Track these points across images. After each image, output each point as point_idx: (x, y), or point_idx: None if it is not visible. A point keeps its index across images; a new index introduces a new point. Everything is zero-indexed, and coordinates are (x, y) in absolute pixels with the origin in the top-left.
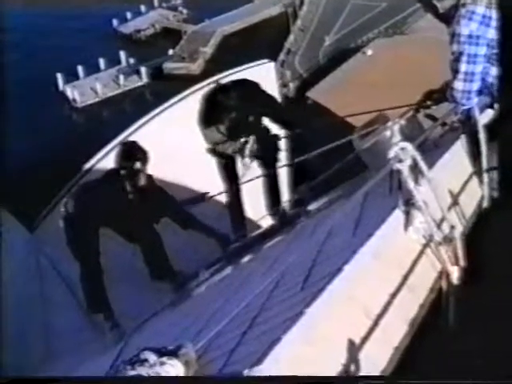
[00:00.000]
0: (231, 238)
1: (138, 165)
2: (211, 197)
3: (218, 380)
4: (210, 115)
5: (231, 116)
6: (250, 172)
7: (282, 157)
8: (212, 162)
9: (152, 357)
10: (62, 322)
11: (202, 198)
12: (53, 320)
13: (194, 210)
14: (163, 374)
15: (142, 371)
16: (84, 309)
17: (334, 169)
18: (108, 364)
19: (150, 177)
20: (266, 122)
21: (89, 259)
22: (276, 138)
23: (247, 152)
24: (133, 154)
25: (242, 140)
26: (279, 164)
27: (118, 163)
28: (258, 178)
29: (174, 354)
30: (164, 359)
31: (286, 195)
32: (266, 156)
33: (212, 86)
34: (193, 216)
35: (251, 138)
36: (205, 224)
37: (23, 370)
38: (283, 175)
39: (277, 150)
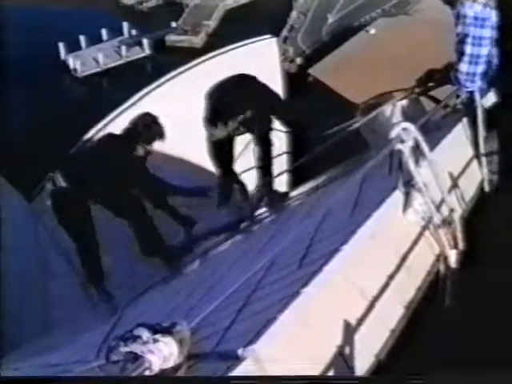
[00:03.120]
0: (196, 222)
1: (155, 138)
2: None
3: (218, 380)
4: (213, 116)
5: (234, 115)
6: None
7: (278, 134)
8: None
9: (145, 333)
10: (60, 291)
11: (204, 192)
12: (51, 289)
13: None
14: (156, 352)
15: (135, 348)
16: (81, 279)
17: (330, 143)
18: (101, 338)
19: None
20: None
21: (83, 235)
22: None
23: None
24: (158, 128)
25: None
26: (274, 142)
27: (138, 130)
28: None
29: (167, 331)
30: (158, 336)
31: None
32: (260, 130)
33: (211, 86)
34: (166, 198)
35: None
36: (174, 207)
37: (21, 338)
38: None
39: (271, 124)
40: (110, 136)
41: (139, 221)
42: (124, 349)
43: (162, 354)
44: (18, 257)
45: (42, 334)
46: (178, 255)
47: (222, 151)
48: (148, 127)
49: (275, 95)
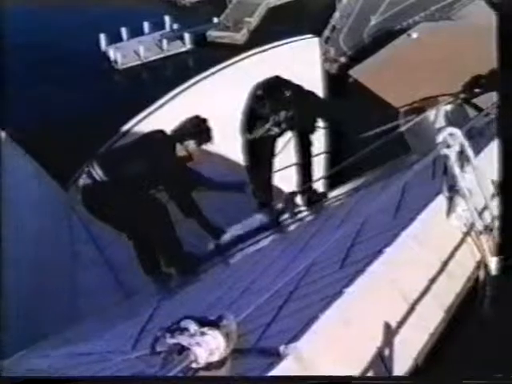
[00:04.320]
0: (224, 232)
1: (203, 141)
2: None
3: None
4: (250, 125)
5: (270, 121)
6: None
7: (320, 135)
8: None
9: (193, 326)
10: (90, 282)
11: (241, 187)
12: (81, 279)
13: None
14: (203, 345)
15: (182, 340)
16: (112, 270)
17: (375, 146)
18: (136, 329)
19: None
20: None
21: (125, 228)
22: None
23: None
24: (207, 131)
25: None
26: (314, 142)
27: (186, 132)
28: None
29: (215, 324)
30: (205, 329)
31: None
32: (303, 132)
33: (249, 95)
34: (197, 205)
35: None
36: (204, 216)
37: (49, 327)
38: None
39: (313, 126)
40: (156, 133)
41: (161, 228)
42: (170, 340)
43: (209, 347)
44: (50, 245)
45: (71, 324)
46: (196, 265)
47: (260, 152)
48: (197, 129)
49: (311, 94)
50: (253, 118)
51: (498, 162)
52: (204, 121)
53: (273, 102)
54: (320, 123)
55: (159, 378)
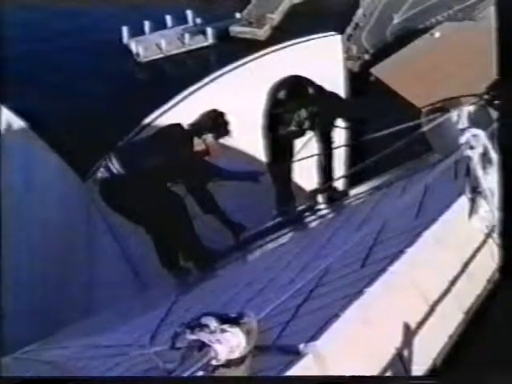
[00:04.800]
0: (245, 227)
1: (221, 135)
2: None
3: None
4: (271, 128)
5: (293, 120)
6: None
7: (341, 133)
8: None
9: (213, 323)
10: (107, 274)
11: (255, 177)
12: (97, 271)
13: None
14: (224, 342)
15: (203, 336)
16: (129, 263)
17: (397, 146)
18: (154, 323)
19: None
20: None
21: (143, 220)
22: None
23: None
24: (225, 125)
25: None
26: (335, 140)
27: (204, 126)
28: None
29: (235, 321)
30: (225, 326)
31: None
32: (324, 131)
33: (269, 97)
34: (215, 202)
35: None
36: (224, 212)
37: (66, 318)
38: (341, 153)
39: (333, 125)
40: (173, 126)
41: (179, 223)
42: (190, 336)
43: (230, 344)
44: (65, 235)
45: (88, 315)
46: (214, 260)
47: (281, 151)
48: (215, 123)
49: (332, 94)
50: (274, 121)
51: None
52: (222, 114)
53: (294, 105)
54: (340, 123)
55: (159, 378)
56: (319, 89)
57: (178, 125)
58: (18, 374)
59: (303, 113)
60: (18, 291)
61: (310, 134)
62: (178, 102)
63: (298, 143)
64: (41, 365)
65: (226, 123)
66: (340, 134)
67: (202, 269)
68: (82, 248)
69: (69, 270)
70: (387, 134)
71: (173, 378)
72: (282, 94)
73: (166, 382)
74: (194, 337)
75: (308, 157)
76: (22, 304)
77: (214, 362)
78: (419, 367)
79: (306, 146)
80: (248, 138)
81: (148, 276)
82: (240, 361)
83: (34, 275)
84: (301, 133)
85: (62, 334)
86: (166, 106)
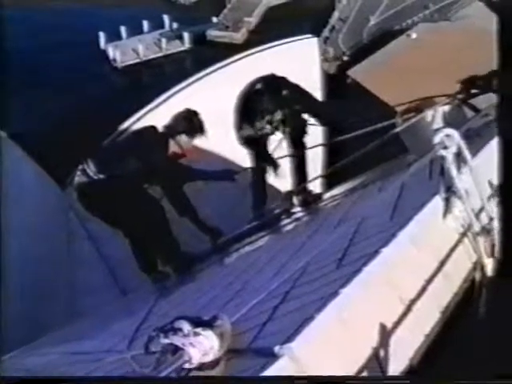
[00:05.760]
0: (222, 234)
1: (195, 134)
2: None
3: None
4: (244, 119)
5: (265, 118)
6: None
7: (315, 135)
8: None
9: (186, 326)
10: (87, 280)
11: (230, 176)
12: (78, 276)
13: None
14: (197, 345)
15: (176, 340)
16: (108, 267)
17: (372, 146)
18: (132, 328)
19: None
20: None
21: (122, 225)
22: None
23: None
24: (199, 124)
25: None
26: (309, 142)
27: (178, 125)
28: (286, 156)
29: (208, 325)
30: (198, 330)
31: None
32: (295, 133)
33: (244, 89)
34: (192, 205)
35: (278, 114)
36: (199, 217)
37: (47, 325)
38: (316, 155)
39: (305, 127)
40: (149, 128)
41: (157, 227)
42: (164, 340)
43: (203, 347)
44: (45, 242)
45: (69, 322)
46: (192, 264)
47: (253, 150)
48: (189, 123)
49: (307, 94)
50: (247, 111)
51: (498, 164)
52: (195, 114)
53: (270, 99)
54: (313, 123)
55: (159, 378)
56: (296, 88)
57: (153, 127)
58: None
59: (277, 113)
60: None
61: (282, 136)
62: (155, 107)
63: (272, 143)
64: (20, 372)
65: (200, 122)
66: (315, 135)
67: (180, 273)
68: (62, 255)
69: (49, 277)
70: (363, 136)
71: (173, 379)
72: (260, 89)
73: (166, 382)
74: (167, 340)
75: (282, 157)
76: (4, 311)
77: (187, 366)
78: (396, 367)
79: (280, 147)
80: (225, 140)
81: (127, 281)
82: (214, 364)
83: (15, 283)
84: (271, 132)
85: (42, 341)
86: (143, 111)
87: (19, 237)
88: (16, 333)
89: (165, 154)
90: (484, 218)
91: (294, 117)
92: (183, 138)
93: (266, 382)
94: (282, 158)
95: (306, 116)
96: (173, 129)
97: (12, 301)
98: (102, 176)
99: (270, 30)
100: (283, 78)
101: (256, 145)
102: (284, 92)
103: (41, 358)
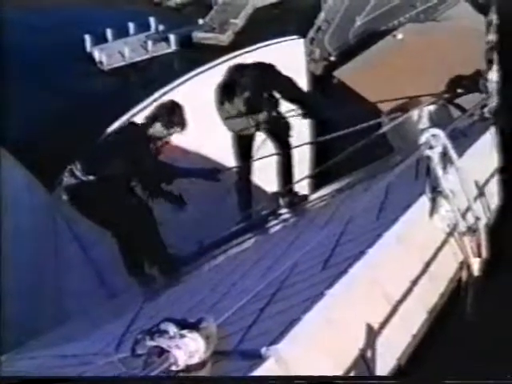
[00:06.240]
0: (186, 203)
1: (177, 130)
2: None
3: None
4: (224, 93)
5: (245, 94)
6: (265, 150)
7: (300, 136)
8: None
9: (172, 328)
10: (74, 283)
11: (213, 175)
12: (65, 279)
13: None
14: (182, 347)
15: (162, 342)
16: (96, 271)
17: (359, 146)
18: (120, 331)
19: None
20: (283, 102)
21: (112, 226)
22: (290, 116)
23: (261, 128)
24: (180, 116)
25: (255, 117)
26: (294, 143)
27: (161, 114)
28: (271, 155)
29: (194, 327)
30: (184, 332)
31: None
32: (279, 134)
33: (228, 65)
34: (159, 182)
35: (263, 114)
36: (164, 189)
37: (35, 329)
38: (304, 154)
39: (289, 128)
40: (128, 125)
41: (144, 229)
42: (150, 343)
43: (189, 349)
44: (34, 246)
45: (57, 325)
46: (179, 266)
47: (242, 150)
48: (169, 114)
49: (290, 81)
50: (231, 87)
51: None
52: (179, 106)
53: (253, 80)
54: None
55: (159, 378)
56: (282, 75)
57: (132, 123)
58: None
59: (261, 114)
60: None
61: (265, 136)
62: (142, 109)
63: (256, 143)
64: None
65: (181, 116)
66: (302, 134)
67: (167, 275)
68: (50, 258)
69: (37, 281)
70: (349, 135)
71: (174, 379)
72: (246, 64)
73: (165, 382)
74: (153, 343)
75: (266, 156)
76: None
77: (173, 368)
78: (383, 367)
79: (265, 147)
80: (211, 142)
81: (115, 284)
82: (200, 366)
83: (3, 286)
84: (255, 131)
85: (32, 344)
86: (130, 113)
87: (8, 241)
88: (5, 336)
89: (148, 148)
90: (470, 217)
91: (278, 119)
92: (157, 126)
93: (254, 382)
94: (267, 157)
95: (291, 107)
96: (151, 118)
97: (1, 304)
98: (89, 177)
99: (256, 31)
100: (271, 65)
101: (239, 148)
102: (271, 77)
103: (31, 361)
